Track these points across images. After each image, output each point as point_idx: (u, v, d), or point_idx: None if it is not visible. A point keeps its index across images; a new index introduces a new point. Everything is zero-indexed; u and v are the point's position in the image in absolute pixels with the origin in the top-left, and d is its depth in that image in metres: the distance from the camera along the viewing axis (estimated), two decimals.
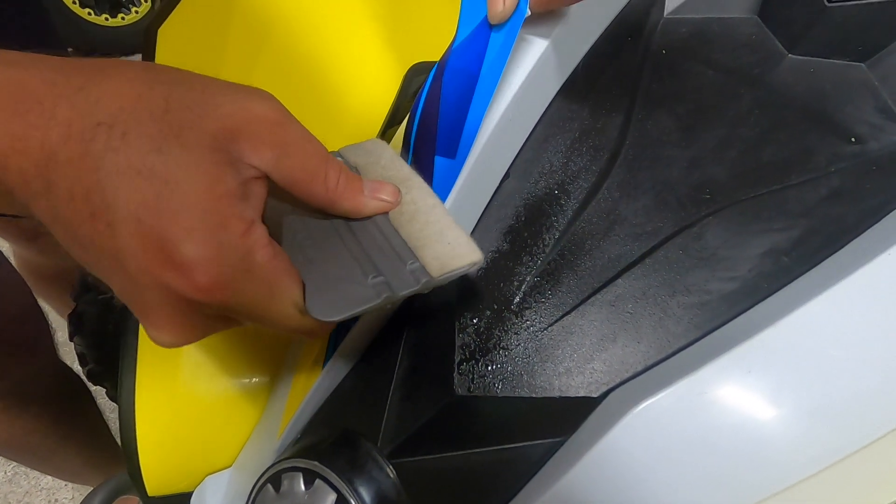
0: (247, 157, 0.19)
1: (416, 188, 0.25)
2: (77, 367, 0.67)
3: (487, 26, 0.27)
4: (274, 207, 0.22)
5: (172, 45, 0.36)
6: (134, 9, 1.94)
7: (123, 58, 1.92)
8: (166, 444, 0.34)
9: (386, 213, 0.24)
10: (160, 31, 0.36)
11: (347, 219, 0.23)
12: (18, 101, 0.17)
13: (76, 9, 1.79)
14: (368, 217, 0.23)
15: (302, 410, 0.29)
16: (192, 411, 0.33)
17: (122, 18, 1.92)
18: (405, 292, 0.21)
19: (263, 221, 0.20)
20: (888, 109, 0.31)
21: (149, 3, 1.97)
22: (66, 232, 0.18)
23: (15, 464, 0.99)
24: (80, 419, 0.73)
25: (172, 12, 0.36)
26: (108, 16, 1.88)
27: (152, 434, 0.34)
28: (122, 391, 0.34)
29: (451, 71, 0.27)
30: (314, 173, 0.21)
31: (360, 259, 0.22)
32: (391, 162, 0.26)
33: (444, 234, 0.23)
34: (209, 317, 0.20)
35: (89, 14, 1.83)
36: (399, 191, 0.24)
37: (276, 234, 0.21)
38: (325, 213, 0.23)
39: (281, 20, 0.35)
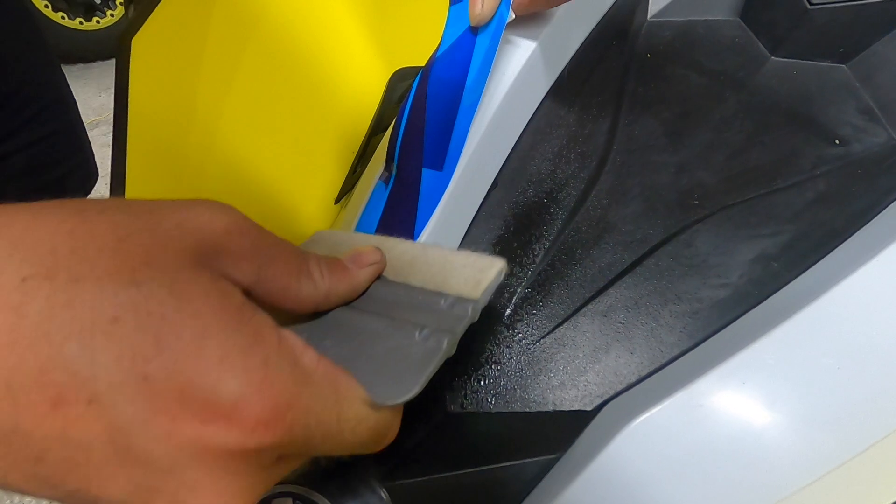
0: (230, 273, 0.16)
1: (394, 244, 0.22)
2: None
3: (472, 33, 0.27)
4: None
5: (147, 56, 0.35)
6: (109, 12, 1.91)
7: (99, 63, 1.89)
8: None
9: (380, 277, 0.21)
10: (134, 41, 0.35)
11: (345, 304, 0.21)
12: None
13: (49, 13, 1.75)
14: (364, 291, 0.21)
15: None
16: None
17: (97, 22, 1.88)
18: (461, 326, 0.19)
19: None
20: (870, 111, 0.32)
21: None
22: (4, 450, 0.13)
23: None
24: None
25: (146, 22, 0.35)
26: (82, 20, 1.84)
27: None
28: None
29: (436, 80, 0.27)
30: (299, 273, 0.19)
31: (392, 326, 0.19)
32: (348, 238, 0.24)
33: (454, 261, 0.21)
34: (267, 467, 0.16)
35: (62, 18, 1.79)
36: (379, 249, 0.22)
37: None
38: (316, 312, 0.20)
39: (261, 30, 0.34)
